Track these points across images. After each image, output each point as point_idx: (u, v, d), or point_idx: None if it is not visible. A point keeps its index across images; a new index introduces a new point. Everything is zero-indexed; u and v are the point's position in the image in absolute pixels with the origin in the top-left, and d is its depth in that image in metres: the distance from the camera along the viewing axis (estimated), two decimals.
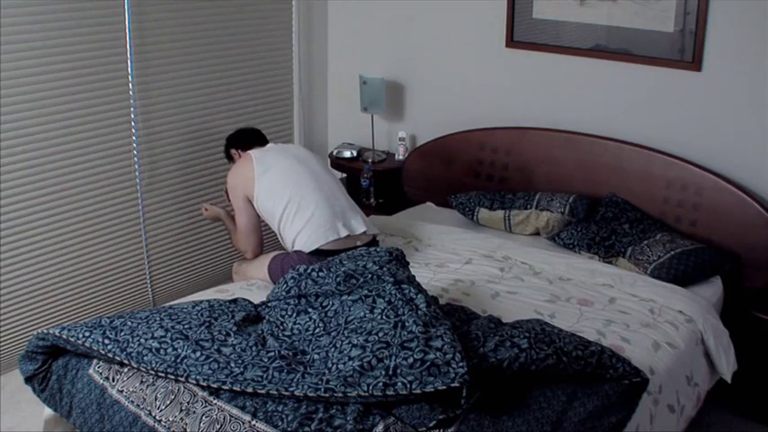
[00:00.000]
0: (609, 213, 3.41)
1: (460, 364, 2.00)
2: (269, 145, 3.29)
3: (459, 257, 3.26)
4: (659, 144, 3.45)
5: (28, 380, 2.42)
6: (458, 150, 3.97)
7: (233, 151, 3.37)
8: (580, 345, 2.23)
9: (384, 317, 2.24)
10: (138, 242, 3.79)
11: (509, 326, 2.35)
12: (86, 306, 3.66)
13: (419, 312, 2.23)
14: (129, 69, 3.51)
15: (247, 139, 3.36)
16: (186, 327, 2.33)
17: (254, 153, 3.15)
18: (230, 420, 2.05)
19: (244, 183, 3.09)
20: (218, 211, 3.39)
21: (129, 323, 2.37)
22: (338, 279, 2.48)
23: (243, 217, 3.14)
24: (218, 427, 2.04)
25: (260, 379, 2.11)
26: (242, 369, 2.15)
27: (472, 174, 3.95)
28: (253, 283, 3.07)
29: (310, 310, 2.44)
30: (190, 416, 2.09)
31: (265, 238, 3.31)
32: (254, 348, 2.25)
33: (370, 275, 2.47)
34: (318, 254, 2.98)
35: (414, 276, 2.53)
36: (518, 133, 3.79)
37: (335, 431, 1.96)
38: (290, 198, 3.04)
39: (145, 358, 2.23)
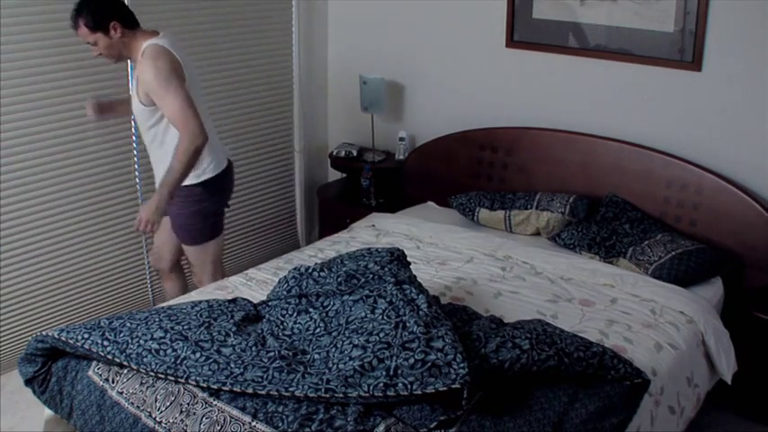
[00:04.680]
0: (609, 213, 3.41)
1: (461, 364, 2.00)
2: (165, 39, 2.91)
3: (461, 256, 3.26)
4: (659, 144, 3.44)
5: (28, 382, 2.42)
6: (458, 150, 3.97)
7: (113, 23, 2.82)
8: (582, 346, 2.23)
9: (385, 317, 2.24)
10: (138, 242, 3.78)
11: (510, 326, 2.35)
12: (86, 306, 3.65)
13: (420, 313, 2.23)
14: (130, 69, 3.51)
15: (131, 15, 2.91)
16: (185, 327, 2.33)
17: (173, 51, 2.86)
18: (230, 421, 2.04)
19: (178, 71, 2.85)
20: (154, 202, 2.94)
21: (128, 324, 2.36)
22: (339, 279, 2.48)
23: (180, 99, 2.78)
24: (219, 428, 2.03)
25: (260, 379, 2.10)
26: (242, 370, 2.15)
27: (472, 174, 3.95)
28: (252, 278, 3.06)
29: (311, 309, 2.44)
30: (190, 417, 2.09)
31: None
32: (253, 348, 2.25)
33: (371, 275, 2.47)
34: (227, 174, 3.13)
35: (415, 276, 2.53)
36: (518, 133, 3.79)
37: None
38: (203, 114, 2.92)
39: (144, 359, 2.23)
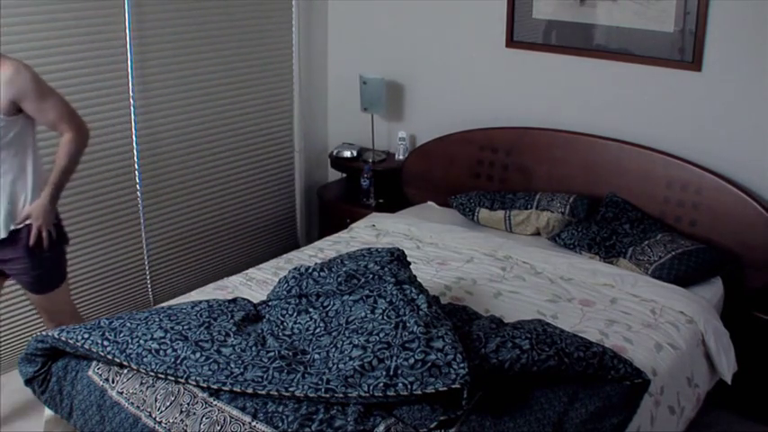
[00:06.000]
0: (609, 213, 3.41)
1: (461, 365, 2.00)
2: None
3: (461, 256, 3.26)
4: (659, 144, 3.44)
5: (28, 382, 2.42)
6: (458, 150, 3.97)
7: None
8: (582, 346, 2.23)
9: (385, 317, 2.24)
10: (138, 242, 3.78)
11: (510, 326, 2.35)
12: (86, 306, 3.65)
13: (420, 313, 2.23)
14: (130, 69, 3.51)
15: None
16: (185, 327, 2.33)
17: None
18: (231, 422, 2.04)
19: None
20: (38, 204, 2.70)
21: (129, 324, 2.36)
22: (339, 279, 2.48)
23: (60, 97, 2.70)
24: (219, 428, 2.03)
25: (260, 379, 2.10)
26: (242, 370, 2.15)
27: (472, 174, 3.95)
28: (252, 278, 3.05)
29: (311, 309, 2.44)
30: (190, 417, 2.09)
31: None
32: (253, 348, 2.25)
33: (371, 275, 2.47)
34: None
35: (415, 276, 2.53)
36: (518, 133, 3.79)
37: None
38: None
39: (144, 360, 2.23)
